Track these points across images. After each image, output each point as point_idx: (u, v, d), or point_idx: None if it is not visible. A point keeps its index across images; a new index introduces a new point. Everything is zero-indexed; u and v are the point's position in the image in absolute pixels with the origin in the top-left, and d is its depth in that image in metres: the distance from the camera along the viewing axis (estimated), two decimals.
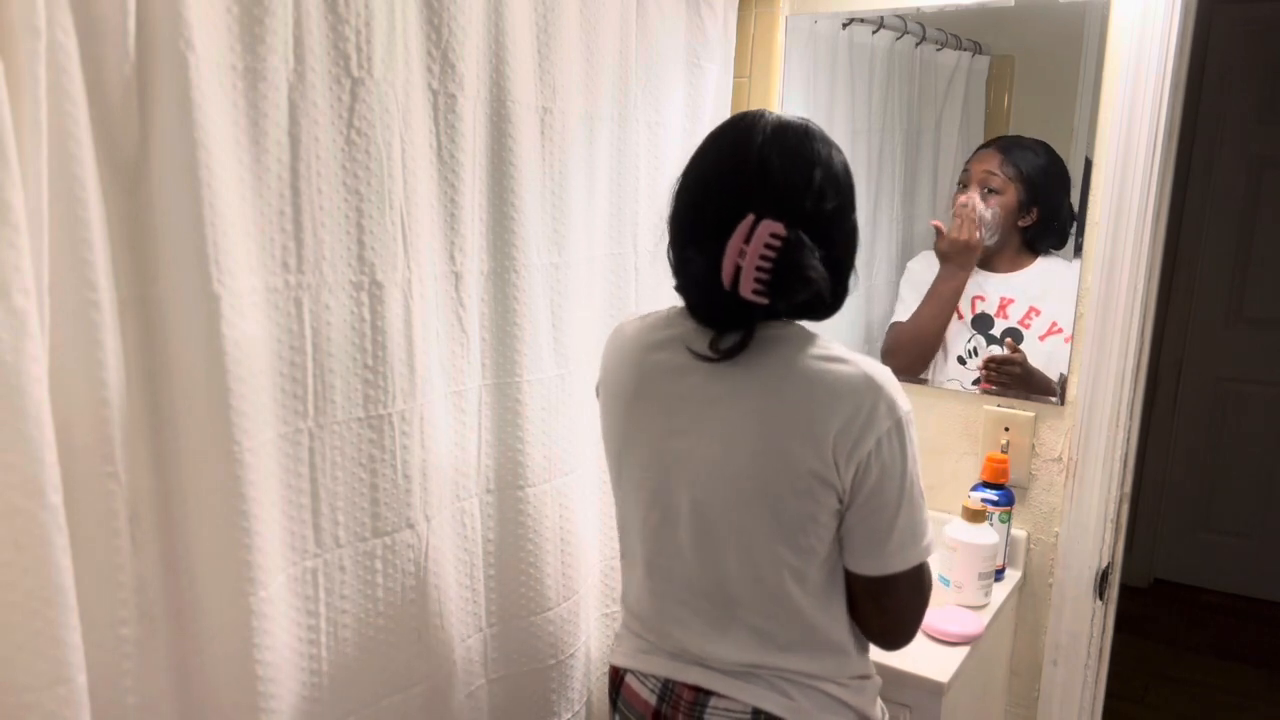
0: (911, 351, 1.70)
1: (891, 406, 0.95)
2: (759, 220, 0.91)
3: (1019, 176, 1.57)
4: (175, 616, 0.94)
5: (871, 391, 0.94)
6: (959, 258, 1.63)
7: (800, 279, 0.92)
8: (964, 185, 1.62)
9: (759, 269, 0.91)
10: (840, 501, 0.96)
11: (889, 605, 1.02)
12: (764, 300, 0.92)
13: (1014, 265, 1.61)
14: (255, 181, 0.95)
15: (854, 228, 1.01)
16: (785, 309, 0.95)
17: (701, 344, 0.98)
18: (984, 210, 1.58)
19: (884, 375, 0.96)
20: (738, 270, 0.92)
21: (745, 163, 0.97)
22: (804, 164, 0.95)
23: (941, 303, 1.66)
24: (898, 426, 0.95)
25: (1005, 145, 1.59)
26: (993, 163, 1.59)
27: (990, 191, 1.58)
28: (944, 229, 1.64)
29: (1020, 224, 1.59)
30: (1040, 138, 1.56)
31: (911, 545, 0.98)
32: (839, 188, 0.98)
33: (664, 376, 1.03)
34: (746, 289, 0.91)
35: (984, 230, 1.59)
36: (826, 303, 0.98)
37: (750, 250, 0.91)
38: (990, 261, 1.63)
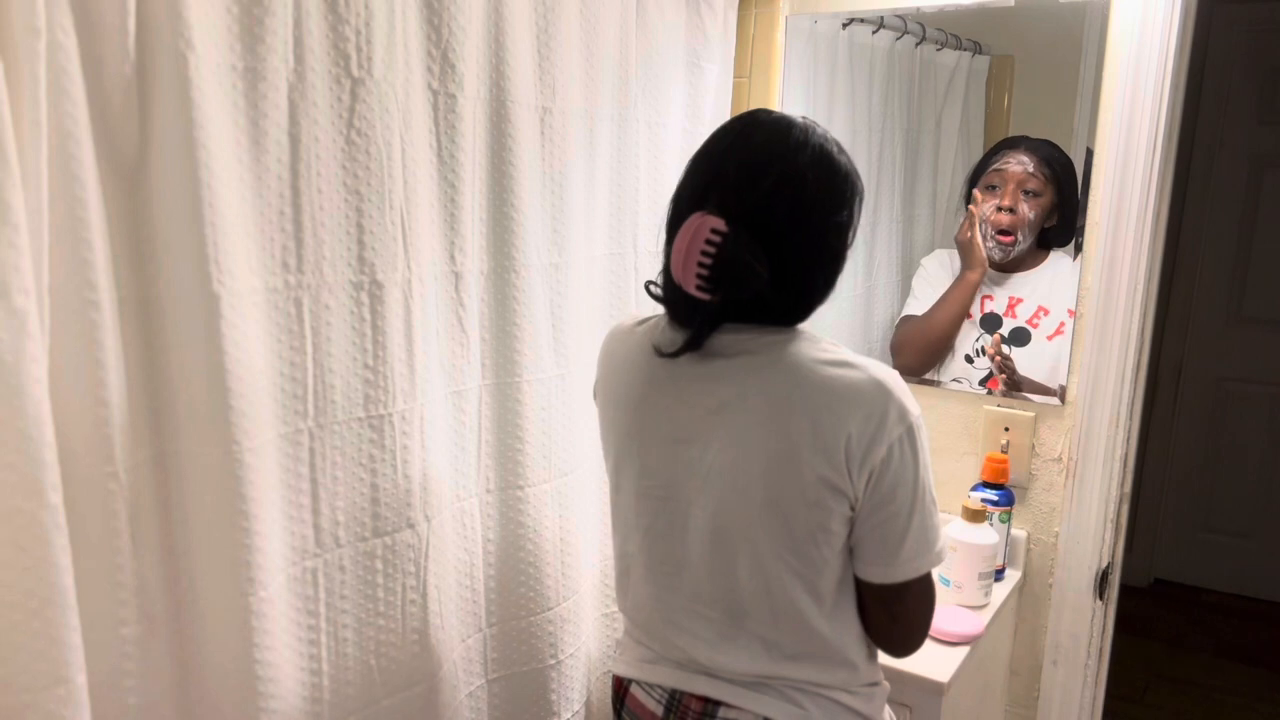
0: (924, 349, 1.69)
1: (903, 413, 0.93)
2: (705, 216, 0.91)
3: (1054, 178, 1.54)
4: (175, 616, 0.94)
5: (882, 397, 0.93)
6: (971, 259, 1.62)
7: (737, 277, 0.91)
8: (993, 188, 1.58)
9: (699, 264, 0.90)
10: (852, 509, 0.95)
11: (899, 612, 1.01)
12: (706, 296, 0.92)
13: (1028, 265, 1.60)
14: (255, 181, 0.95)
15: (829, 230, 0.96)
16: (736, 309, 0.95)
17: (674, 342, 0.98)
18: (1029, 214, 1.55)
19: (893, 380, 0.95)
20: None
21: (711, 159, 0.98)
22: (762, 160, 0.94)
23: (960, 301, 1.64)
24: (909, 433, 0.94)
25: (1032, 145, 1.56)
26: (1031, 164, 1.55)
27: (1029, 194, 1.55)
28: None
29: (1046, 225, 1.57)
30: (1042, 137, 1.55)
31: (924, 553, 0.97)
32: (803, 185, 0.93)
33: (670, 382, 1.01)
34: (688, 283, 0.91)
35: (1024, 232, 1.57)
36: (774, 304, 0.96)
37: (689, 245, 0.91)
38: (1008, 263, 1.61)
